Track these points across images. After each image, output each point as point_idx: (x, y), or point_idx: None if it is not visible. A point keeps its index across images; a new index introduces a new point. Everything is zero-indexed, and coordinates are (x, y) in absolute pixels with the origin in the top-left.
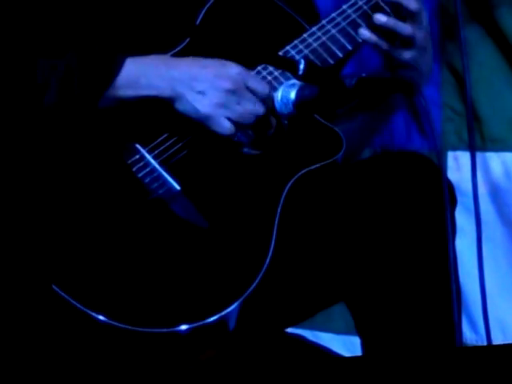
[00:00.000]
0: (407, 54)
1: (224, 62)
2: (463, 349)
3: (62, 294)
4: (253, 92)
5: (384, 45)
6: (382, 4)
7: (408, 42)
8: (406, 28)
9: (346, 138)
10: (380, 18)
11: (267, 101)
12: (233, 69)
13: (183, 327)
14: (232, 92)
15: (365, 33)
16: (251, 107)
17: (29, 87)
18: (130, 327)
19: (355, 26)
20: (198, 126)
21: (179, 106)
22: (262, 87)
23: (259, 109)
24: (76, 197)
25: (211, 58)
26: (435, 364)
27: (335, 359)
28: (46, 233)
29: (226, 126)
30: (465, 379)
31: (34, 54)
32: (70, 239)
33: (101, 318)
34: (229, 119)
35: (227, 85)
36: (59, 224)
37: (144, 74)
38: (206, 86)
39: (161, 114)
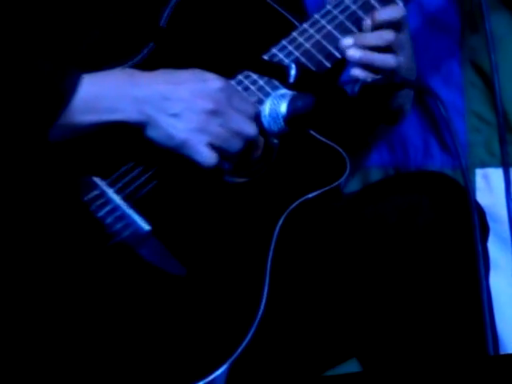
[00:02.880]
0: (391, 61)
1: (203, 74)
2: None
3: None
4: (239, 111)
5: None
6: None
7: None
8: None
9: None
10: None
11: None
12: (214, 83)
13: None
14: (213, 113)
15: (347, 45)
16: (240, 129)
17: None
18: None
19: (356, 19)
20: (170, 152)
21: (150, 132)
22: (250, 106)
23: (249, 130)
24: (26, 246)
25: (184, 67)
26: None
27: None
28: None
29: (207, 155)
30: None
31: None
32: (18, 300)
33: None
34: (211, 146)
35: (207, 104)
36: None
37: (105, 95)
38: (182, 107)
39: (123, 139)
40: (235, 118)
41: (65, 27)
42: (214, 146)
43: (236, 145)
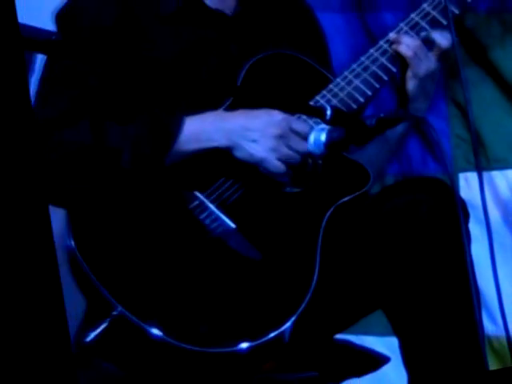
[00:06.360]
0: (422, 69)
1: (269, 111)
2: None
3: (122, 310)
4: (297, 133)
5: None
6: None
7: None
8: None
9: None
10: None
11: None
12: (278, 116)
13: (244, 345)
14: (280, 137)
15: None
16: (298, 147)
17: (101, 152)
18: (189, 346)
19: (375, 75)
20: (248, 172)
21: (237, 153)
22: (303, 127)
23: (304, 147)
24: (148, 241)
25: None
26: None
27: None
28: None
29: (278, 167)
30: None
31: (102, 120)
32: (140, 270)
33: (155, 331)
34: (280, 160)
35: (275, 131)
36: (133, 259)
37: (203, 129)
38: (258, 135)
39: (215, 163)
40: (295, 139)
41: (170, 89)
42: (281, 160)
43: (296, 158)
